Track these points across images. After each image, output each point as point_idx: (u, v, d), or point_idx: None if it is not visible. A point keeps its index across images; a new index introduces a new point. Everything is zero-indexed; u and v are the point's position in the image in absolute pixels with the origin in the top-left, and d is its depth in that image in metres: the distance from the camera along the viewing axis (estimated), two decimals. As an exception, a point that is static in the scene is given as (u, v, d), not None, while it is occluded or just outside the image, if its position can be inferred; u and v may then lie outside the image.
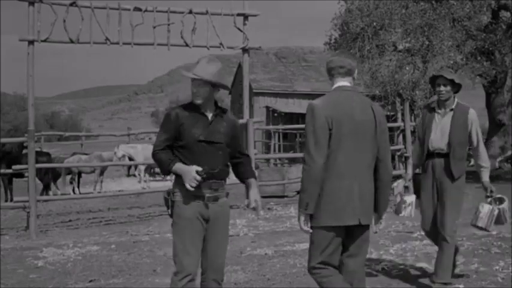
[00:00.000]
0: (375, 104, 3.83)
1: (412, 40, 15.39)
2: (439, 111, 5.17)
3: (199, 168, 3.77)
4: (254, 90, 31.17)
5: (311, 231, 3.69)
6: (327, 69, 3.84)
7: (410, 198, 5.30)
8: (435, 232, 5.12)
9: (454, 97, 5.15)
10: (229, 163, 4.06)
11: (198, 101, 3.91)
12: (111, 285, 5.98)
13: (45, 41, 9.77)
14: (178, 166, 3.83)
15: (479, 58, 16.14)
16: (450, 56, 15.02)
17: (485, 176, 5.08)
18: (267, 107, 32.03)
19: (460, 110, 5.10)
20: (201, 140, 3.88)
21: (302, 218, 3.67)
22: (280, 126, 22.06)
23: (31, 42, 9.66)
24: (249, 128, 11.68)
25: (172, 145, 3.92)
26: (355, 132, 3.66)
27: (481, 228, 5.13)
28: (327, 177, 3.62)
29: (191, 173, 3.76)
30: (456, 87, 5.12)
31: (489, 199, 5.09)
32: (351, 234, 3.73)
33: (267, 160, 21.85)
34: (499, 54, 16.33)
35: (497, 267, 5.85)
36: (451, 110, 5.11)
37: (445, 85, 5.08)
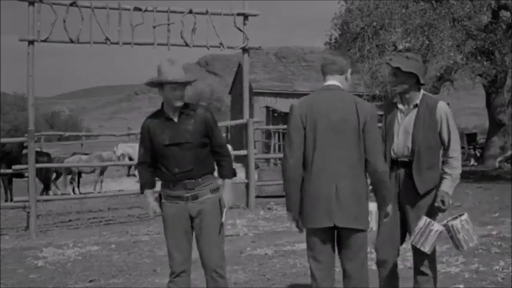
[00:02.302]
0: (364, 102, 3.63)
1: (412, 40, 15.37)
2: (402, 107, 4.09)
3: (158, 210, 4.01)
4: (254, 90, 31.11)
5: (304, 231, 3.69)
6: (320, 67, 3.76)
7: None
8: (391, 262, 4.21)
9: (419, 90, 4.05)
10: (210, 158, 4.04)
11: (179, 104, 3.91)
12: (111, 285, 5.98)
13: (45, 41, 9.76)
14: (147, 194, 4.10)
15: (479, 58, 16.12)
16: (450, 56, 15.01)
17: (445, 186, 3.96)
18: (267, 107, 31.98)
19: (427, 105, 4.01)
20: (167, 144, 3.90)
21: (293, 221, 3.69)
22: (280, 126, 21.99)
23: (31, 42, 9.66)
24: (249, 128, 11.68)
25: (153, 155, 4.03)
26: (331, 131, 3.53)
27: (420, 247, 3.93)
28: (306, 178, 3.57)
29: (150, 206, 4.07)
30: (414, 78, 4.00)
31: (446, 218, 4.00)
32: (342, 237, 3.61)
33: (267, 160, 21.83)
34: (499, 54, 16.31)
35: (497, 267, 5.85)
36: (415, 106, 4.04)
37: (395, 75, 4.03)
